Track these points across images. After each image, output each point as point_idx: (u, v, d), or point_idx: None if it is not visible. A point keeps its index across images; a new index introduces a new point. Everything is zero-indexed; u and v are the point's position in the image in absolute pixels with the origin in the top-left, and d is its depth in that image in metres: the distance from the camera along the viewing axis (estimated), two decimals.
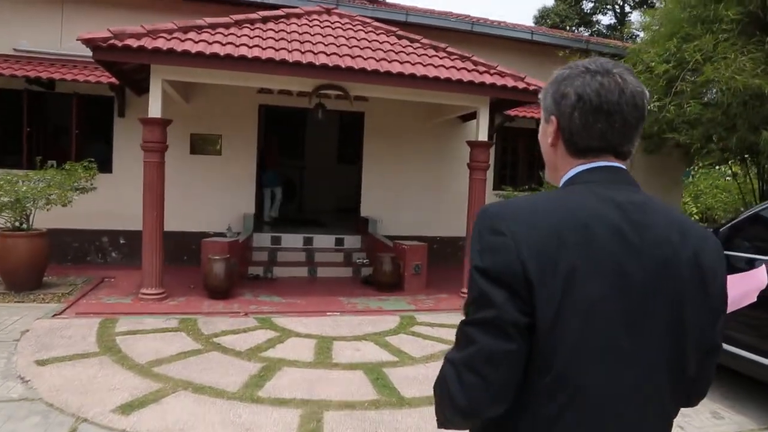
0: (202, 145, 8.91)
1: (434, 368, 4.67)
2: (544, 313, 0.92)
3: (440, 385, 1.01)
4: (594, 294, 0.94)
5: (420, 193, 9.93)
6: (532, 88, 7.16)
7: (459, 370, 0.96)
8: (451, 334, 5.26)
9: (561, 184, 1.11)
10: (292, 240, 9.25)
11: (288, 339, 5.32)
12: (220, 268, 6.63)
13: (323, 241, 9.42)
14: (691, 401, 1.13)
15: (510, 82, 7.09)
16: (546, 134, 1.14)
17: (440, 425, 1.06)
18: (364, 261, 8.93)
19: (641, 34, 10.74)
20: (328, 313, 6.40)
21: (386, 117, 9.59)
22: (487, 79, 7.02)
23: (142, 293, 6.44)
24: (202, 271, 6.92)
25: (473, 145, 7.49)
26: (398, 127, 9.69)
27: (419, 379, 4.47)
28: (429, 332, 5.80)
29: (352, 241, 9.59)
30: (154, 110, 6.31)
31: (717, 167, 16.08)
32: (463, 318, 1.00)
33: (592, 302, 0.94)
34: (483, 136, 7.51)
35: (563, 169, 1.11)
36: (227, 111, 8.91)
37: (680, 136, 7.30)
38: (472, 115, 9.25)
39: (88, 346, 4.80)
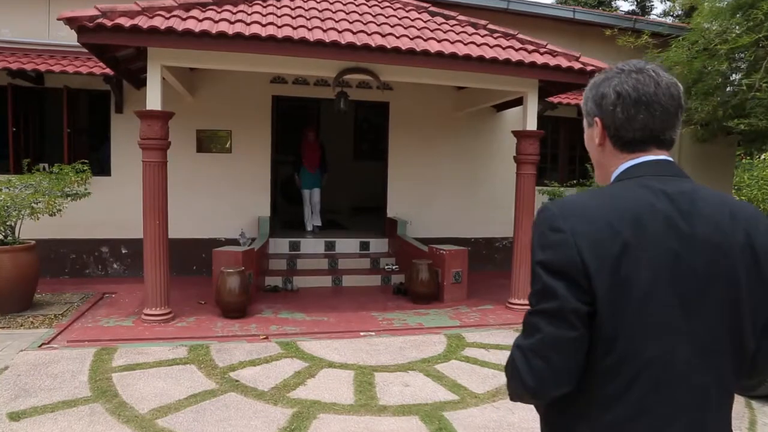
0: (209, 142, 8.01)
1: (505, 409, 3.74)
2: (604, 301, 1.00)
3: (511, 367, 1.09)
4: (649, 280, 1.01)
5: (451, 190, 8.98)
6: (589, 68, 6.19)
7: (527, 356, 1.04)
8: None
9: (612, 180, 1.17)
10: (313, 245, 8.35)
11: (320, 371, 4.41)
12: (235, 283, 5.73)
13: (347, 245, 8.51)
14: (753, 379, 1.15)
15: (563, 62, 6.12)
16: (592, 138, 1.22)
17: (512, 398, 1.15)
18: (394, 267, 8.01)
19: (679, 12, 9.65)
20: (361, 334, 5.48)
21: (413, 107, 8.64)
22: (538, 58, 6.05)
23: (146, 314, 5.55)
24: (213, 285, 6.02)
25: (521, 135, 6.53)
26: (426, 117, 8.75)
27: (490, 428, 3.53)
28: (485, 357, 4.87)
29: (378, 245, 8.67)
30: (153, 101, 5.40)
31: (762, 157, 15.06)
32: (529, 308, 1.07)
33: (648, 288, 1.01)
34: (531, 125, 6.55)
35: (613, 166, 1.18)
36: (237, 104, 7.99)
37: (760, 120, 6.31)
38: (509, 104, 8.36)
39: (78, 389, 3.91)
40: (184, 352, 4.75)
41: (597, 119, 1.19)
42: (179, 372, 4.30)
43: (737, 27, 5.84)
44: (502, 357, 4.78)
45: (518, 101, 8.14)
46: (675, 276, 1.03)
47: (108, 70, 6.73)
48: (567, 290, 1.00)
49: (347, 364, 4.57)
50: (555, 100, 8.26)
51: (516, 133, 6.61)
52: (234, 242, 7.84)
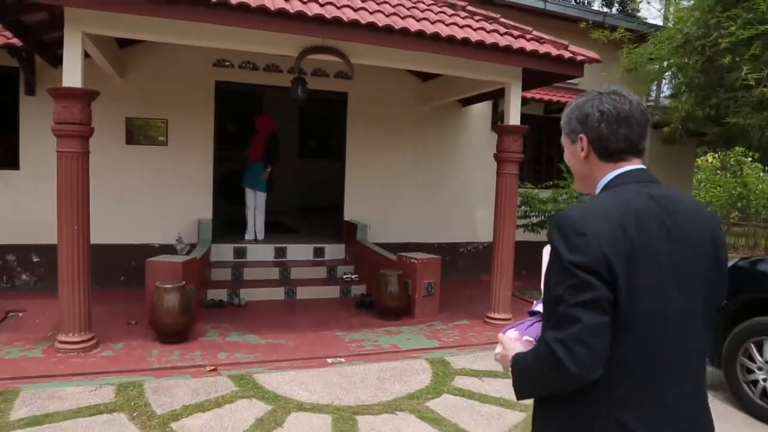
0: (141, 132, 6.88)
1: None
2: (622, 290, 1.17)
3: (550, 360, 1.18)
4: (650, 272, 1.20)
5: (413, 191, 8.25)
6: (579, 58, 5.63)
7: (569, 345, 1.15)
8: (511, 391, 3.65)
9: (599, 186, 1.37)
10: (261, 252, 7.39)
11: (287, 416, 3.54)
12: (174, 301, 4.73)
13: (299, 252, 7.60)
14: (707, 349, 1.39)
15: (552, 50, 5.52)
16: (575, 153, 1.42)
17: (525, 397, 1.35)
18: (353, 277, 7.19)
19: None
20: (329, 361, 4.64)
21: (374, 100, 7.84)
22: (525, 45, 5.42)
23: (61, 341, 4.46)
24: (147, 302, 4.99)
25: (503, 131, 5.89)
26: (388, 112, 7.97)
27: None
28: (482, 389, 4.15)
29: (334, 251, 7.81)
30: (72, 77, 4.33)
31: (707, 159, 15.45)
32: (561, 302, 1.18)
33: (650, 278, 1.20)
34: (515, 119, 5.92)
35: (599, 175, 1.38)
36: (174, 89, 6.90)
37: (744, 119, 5.98)
38: (475, 99, 7.75)
39: None
40: (110, 393, 3.74)
41: (582, 135, 1.38)
42: (105, 426, 3.31)
43: (729, 21, 5.46)
44: (501, 387, 4.10)
45: (485, 96, 7.57)
46: (671, 266, 1.23)
47: (14, 40, 5.53)
48: (599, 283, 1.16)
49: (320, 405, 3.72)
50: (529, 95, 7.73)
51: (499, 128, 5.96)
52: (170, 249, 6.78)
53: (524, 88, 6.70)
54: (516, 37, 5.52)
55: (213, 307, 6.10)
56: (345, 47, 5.11)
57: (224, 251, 7.18)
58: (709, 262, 1.29)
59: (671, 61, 7.40)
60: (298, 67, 5.06)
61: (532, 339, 1.42)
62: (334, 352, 4.85)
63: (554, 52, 5.52)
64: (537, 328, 1.44)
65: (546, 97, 8.29)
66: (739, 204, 13.09)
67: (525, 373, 1.31)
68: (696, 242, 1.27)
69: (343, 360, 4.68)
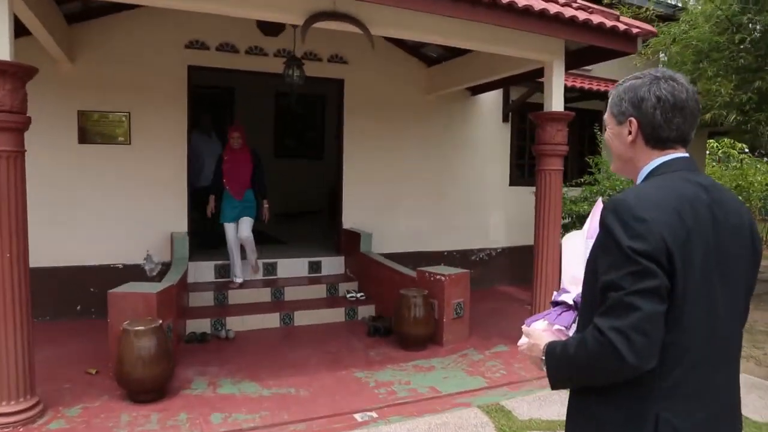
0: (98, 129, 5.63)
1: None
2: (679, 278, 1.14)
3: (605, 349, 1.13)
4: (702, 261, 1.18)
5: (419, 192, 7.20)
6: (635, 31, 4.71)
7: (627, 334, 1.10)
8: None
9: (644, 172, 1.32)
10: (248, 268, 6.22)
11: None
12: (148, 347, 3.56)
13: (292, 267, 6.48)
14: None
15: (605, 21, 4.58)
16: (620, 135, 1.35)
17: (563, 387, 1.31)
18: (359, 296, 6.11)
19: None
20: (358, 418, 3.55)
21: (373, 87, 6.77)
22: (575, 13, 4.47)
23: None
24: (111, 348, 3.81)
25: (545, 118, 4.92)
26: (389, 101, 6.90)
27: None
28: None
29: (332, 265, 6.72)
30: None
31: None
32: (618, 289, 1.13)
33: (702, 267, 1.17)
34: (558, 103, 4.96)
35: (644, 161, 1.32)
36: (138, 75, 5.68)
37: None
38: (487, 87, 6.79)
39: None
40: None
41: (633, 119, 1.31)
42: None
43: None
44: None
45: (497, 84, 6.62)
46: (717, 253, 1.20)
47: None
48: (659, 270, 1.11)
49: None
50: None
51: (537, 117, 4.98)
52: (137, 270, 5.60)
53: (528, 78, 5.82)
54: (562, 5, 4.55)
55: (194, 342, 4.92)
56: (362, 12, 4.03)
57: (204, 270, 6.00)
58: (748, 250, 1.28)
59: (708, 40, 6.62)
60: (304, 33, 3.91)
61: (563, 328, 1.38)
62: (360, 403, 3.76)
63: (607, 22, 4.58)
64: (566, 318, 1.40)
65: (578, 84, 7.38)
66: (740, 197, 12.51)
67: (567, 363, 1.24)
68: (738, 231, 1.26)
69: (375, 415, 3.60)
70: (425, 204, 7.22)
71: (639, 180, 1.33)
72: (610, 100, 1.39)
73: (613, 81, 7.33)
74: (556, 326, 1.39)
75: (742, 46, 6.28)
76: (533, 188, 6.49)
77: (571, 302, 1.42)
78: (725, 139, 14.44)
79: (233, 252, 5.80)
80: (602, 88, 7.68)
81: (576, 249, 1.44)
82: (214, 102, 9.07)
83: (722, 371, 1.26)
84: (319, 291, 6.19)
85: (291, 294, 6.02)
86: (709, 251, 1.19)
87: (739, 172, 13.05)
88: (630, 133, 1.32)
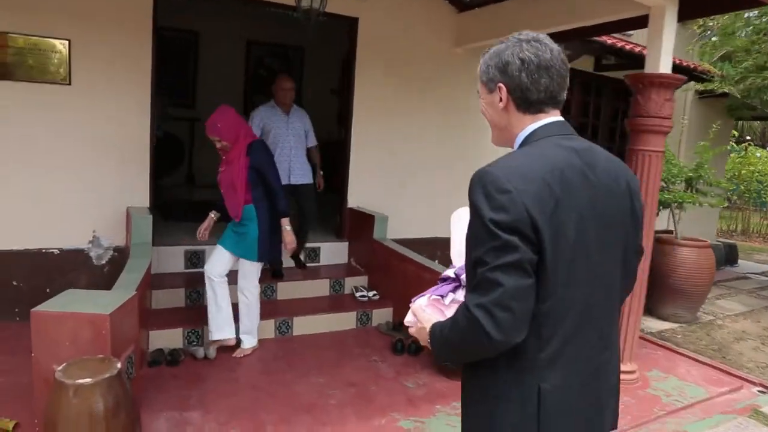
0: (25, 60, 4.02)
1: None
2: (549, 249, 1.11)
3: (469, 326, 1.12)
4: (575, 230, 1.15)
5: (439, 167, 5.90)
6: None
7: (491, 311, 1.08)
8: None
9: (519, 140, 1.29)
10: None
11: None
12: (99, 409, 2.16)
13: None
14: (624, 296, 1.40)
15: None
16: (493, 104, 1.31)
17: (445, 362, 1.28)
18: (371, 295, 4.82)
19: None
20: None
21: (390, 35, 5.36)
22: None
23: None
24: (37, 403, 2.41)
25: (647, 82, 3.64)
26: (409, 53, 5.51)
27: None
28: None
29: (334, 252, 5.38)
30: None
31: None
32: (483, 265, 1.10)
33: (575, 236, 1.15)
34: (666, 63, 3.72)
35: (518, 127, 1.29)
36: None
37: None
38: None
39: None
40: None
41: (501, 84, 1.27)
42: None
43: None
44: None
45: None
46: (593, 220, 1.19)
47: None
48: (523, 243, 1.09)
49: None
50: (608, 40, 5.59)
51: (638, 80, 3.71)
52: (79, 257, 4.12)
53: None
54: None
55: (162, 364, 3.54)
56: None
57: (171, 258, 4.55)
58: (627, 212, 1.28)
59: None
60: None
61: (439, 297, 1.38)
62: None
63: None
64: (444, 288, 1.40)
65: (619, 44, 6.18)
66: (742, 186, 11.89)
67: (446, 342, 1.23)
68: (615, 194, 1.25)
69: None
70: (446, 180, 5.91)
71: (515, 147, 1.29)
72: (479, 70, 1.34)
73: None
74: (433, 296, 1.39)
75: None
76: None
77: (453, 275, 1.39)
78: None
79: (210, 295, 3.71)
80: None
81: (464, 224, 1.27)
82: (175, 50, 7.40)
83: (601, 337, 1.26)
84: (320, 287, 4.86)
85: (285, 291, 4.68)
86: (583, 218, 1.17)
87: (745, 160, 12.45)
88: (501, 99, 1.29)
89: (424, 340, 1.31)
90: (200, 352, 3.67)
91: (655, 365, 4.31)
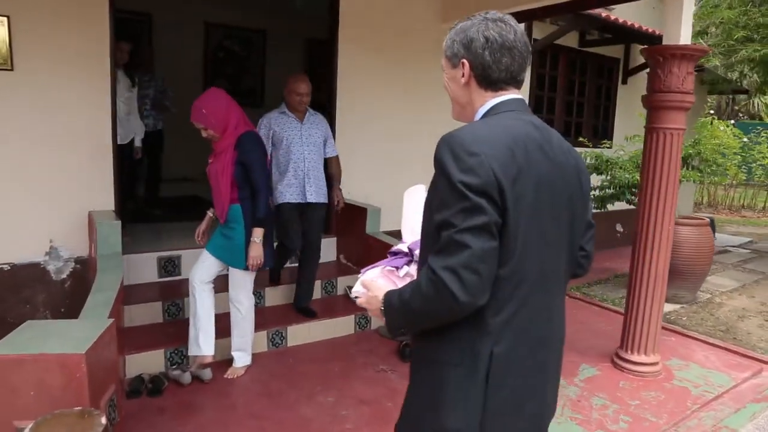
0: None
1: None
2: (512, 213, 1.13)
3: (435, 288, 1.11)
4: (533, 197, 1.17)
5: (427, 155, 5.52)
6: None
7: (458, 272, 1.09)
8: None
9: (479, 114, 1.30)
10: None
11: None
12: None
13: None
14: (583, 270, 1.45)
15: None
16: (455, 79, 1.33)
17: (402, 334, 1.32)
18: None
19: None
20: None
21: (374, 8, 4.92)
22: None
23: None
24: None
25: (669, 55, 3.35)
26: (395, 29, 5.08)
27: None
28: None
29: (322, 249, 4.92)
30: None
31: None
32: (449, 227, 1.11)
33: (533, 203, 1.18)
34: (686, 34, 3.42)
35: (478, 103, 1.31)
36: None
37: None
38: (525, 15, 5.14)
39: None
40: None
41: (464, 60, 1.29)
42: None
43: None
44: None
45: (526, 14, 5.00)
46: (549, 192, 1.21)
47: None
48: (490, 206, 1.10)
49: None
50: (602, 13, 5.28)
51: (658, 52, 3.40)
52: (34, 272, 3.56)
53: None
54: None
55: (143, 394, 3.05)
56: None
57: (142, 267, 4.02)
58: (576, 188, 1.31)
59: None
60: None
61: (393, 269, 1.38)
62: None
63: None
64: (398, 261, 1.40)
65: (612, 17, 5.90)
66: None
67: (404, 308, 1.21)
68: (566, 170, 1.28)
69: None
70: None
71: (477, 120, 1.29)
72: (444, 44, 1.35)
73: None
74: (387, 267, 1.39)
75: None
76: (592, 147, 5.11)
77: (405, 249, 1.41)
78: None
79: (191, 303, 3.27)
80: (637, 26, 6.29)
81: (419, 201, 1.37)
82: (126, 34, 6.70)
83: (550, 303, 1.29)
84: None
85: (274, 297, 4.23)
86: (540, 188, 1.19)
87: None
88: (463, 75, 1.30)
89: (376, 309, 1.30)
90: (186, 377, 3.18)
91: (673, 353, 4.09)
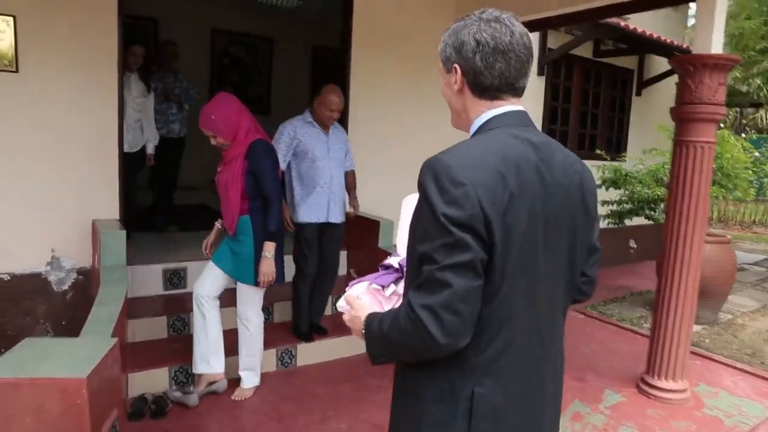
0: None
1: None
2: (499, 248, 1.04)
3: (412, 327, 1.04)
4: (528, 224, 1.08)
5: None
6: None
7: (437, 312, 1.01)
8: None
9: (474, 127, 1.21)
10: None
11: None
12: None
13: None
14: (585, 296, 1.35)
15: None
16: (450, 84, 1.23)
17: (379, 358, 1.16)
18: None
19: None
20: None
21: (388, 10, 4.80)
22: None
23: None
24: None
25: (700, 64, 3.21)
26: (410, 32, 4.96)
27: None
28: None
29: None
30: None
31: None
32: (431, 263, 1.03)
33: (527, 231, 1.08)
34: (717, 42, 3.28)
35: (474, 113, 1.21)
36: None
37: None
38: (539, 24, 5.01)
39: None
40: None
41: (456, 65, 1.19)
42: None
43: None
44: None
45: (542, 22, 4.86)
46: (542, 221, 1.11)
47: None
48: (476, 242, 1.02)
49: None
50: (620, 22, 5.15)
51: (688, 62, 3.26)
52: (35, 283, 3.40)
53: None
54: None
55: (146, 416, 2.88)
56: None
57: (147, 279, 3.86)
58: (579, 210, 1.21)
59: None
60: None
61: (380, 288, 1.31)
62: None
63: None
64: (386, 278, 1.33)
65: (631, 27, 5.78)
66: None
67: (382, 339, 1.13)
68: (569, 192, 1.18)
69: None
70: None
71: (470, 134, 1.22)
72: (439, 48, 1.25)
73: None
74: (373, 285, 1.32)
75: None
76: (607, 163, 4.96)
77: (396, 265, 1.34)
78: None
79: (197, 319, 3.09)
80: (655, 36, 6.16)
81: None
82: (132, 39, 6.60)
83: (544, 336, 1.19)
84: None
85: (282, 312, 4.06)
86: (535, 216, 1.10)
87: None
88: (456, 81, 1.21)
89: (358, 330, 1.23)
90: (192, 399, 3.01)
91: (700, 378, 3.91)
